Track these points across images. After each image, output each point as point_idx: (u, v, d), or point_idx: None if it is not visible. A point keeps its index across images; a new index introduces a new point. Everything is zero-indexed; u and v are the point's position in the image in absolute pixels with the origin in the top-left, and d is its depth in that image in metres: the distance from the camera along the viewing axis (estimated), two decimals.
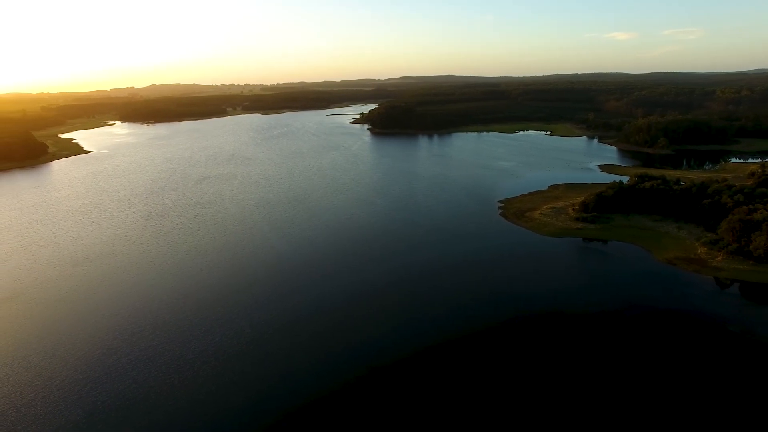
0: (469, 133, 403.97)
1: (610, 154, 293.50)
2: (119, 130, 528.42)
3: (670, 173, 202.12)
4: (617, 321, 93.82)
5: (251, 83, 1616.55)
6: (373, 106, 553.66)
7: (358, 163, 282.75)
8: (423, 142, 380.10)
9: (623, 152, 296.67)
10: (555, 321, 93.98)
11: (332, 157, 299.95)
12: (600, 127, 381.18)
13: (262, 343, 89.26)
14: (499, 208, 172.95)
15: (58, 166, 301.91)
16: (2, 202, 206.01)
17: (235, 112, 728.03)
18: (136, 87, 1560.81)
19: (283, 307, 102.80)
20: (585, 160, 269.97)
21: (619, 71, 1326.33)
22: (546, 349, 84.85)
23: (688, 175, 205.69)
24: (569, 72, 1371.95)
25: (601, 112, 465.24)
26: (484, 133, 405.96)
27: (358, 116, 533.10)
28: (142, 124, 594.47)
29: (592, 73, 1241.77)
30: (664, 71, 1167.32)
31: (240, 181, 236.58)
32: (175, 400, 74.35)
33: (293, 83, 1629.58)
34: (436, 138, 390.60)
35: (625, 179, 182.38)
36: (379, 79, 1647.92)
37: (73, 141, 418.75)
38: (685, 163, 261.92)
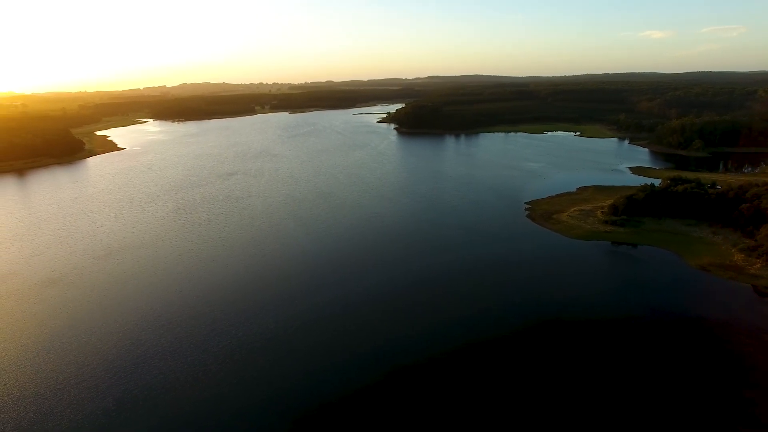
0: (497, 134, 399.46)
1: (641, 156, 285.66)
2: (151, 128, 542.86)
3: (706, 176, 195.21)
4: (647, 328, 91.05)
5: (279, 82, 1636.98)
6: (400, 106, 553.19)
7: (384, 162, 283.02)
8: (450, 142, 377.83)
9: (655, 154, 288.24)
10: (583, 327, 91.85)
11: (358, 156, 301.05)
12: (631, 128, 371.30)
13: (286, 340, 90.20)
14: (526, 209, 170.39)
15: (94, 162, 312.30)
16: (43, 197, 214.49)
17: (263, 111, 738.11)
18: (167, 86, 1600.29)
19: (307, 304, 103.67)
20: (615, 161, 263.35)
21: (654, 71, 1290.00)
22: (573, 357, 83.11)
23: (725, 179, 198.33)
24: (600, 72, 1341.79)
25: (633, 113, 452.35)
26: (512, 133, 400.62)
27: (384, 116, 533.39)
28: (173, 121, 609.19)
29: (624, 73, 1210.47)
30: (702, 70, 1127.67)
31: (267, 177, 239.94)
32: (200, 392, 75.86)
33: (321, 82, 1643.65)
34: (463, 138, 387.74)
35: (657, 182, 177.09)
36: (406, 79, 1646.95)
37: (108, 138, 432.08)
38: (722, 166, 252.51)
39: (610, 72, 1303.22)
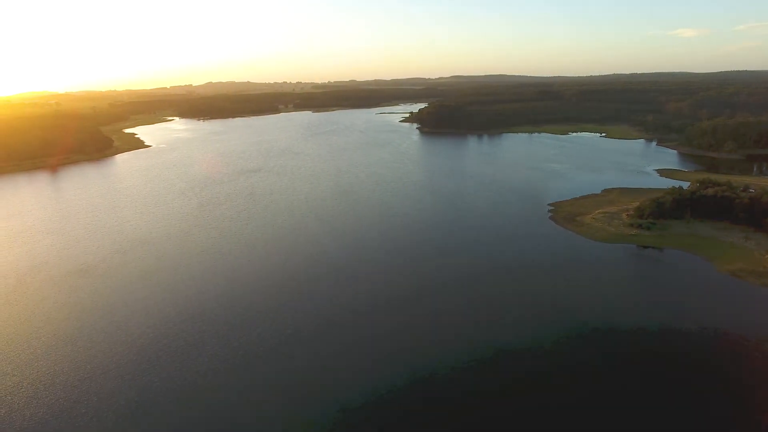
0: (520, 134, 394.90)
1: (669, 157, 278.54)
2: (177, 126, 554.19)
3: (738, 179, 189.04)
4: (673, 335, 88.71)
5: (303, 81, 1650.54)
6: (422, 105, 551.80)
7: (406, 161, 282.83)
8: (472, 142, 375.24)
9: (684, 156, 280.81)
10: (605, 333, 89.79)
11: (380, 155, 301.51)
12: (659, 130, 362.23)
13: (305, 337, 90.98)
14: (549, 211, 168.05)
15: (122, 159, 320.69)
16: (74, 193, 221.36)
17: (286, 110, 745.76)
18: (193, 84, 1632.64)
19: (326, 303, 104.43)
20: (642, 163, 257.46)
21: (685, 70, 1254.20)
22: (595, 362, 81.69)
23: (758, 182, 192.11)
24: (628, 72, 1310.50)
25: (662, 113, 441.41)
26: (536, 134, 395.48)
27: (407, 115, 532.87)
28: (199, 120, 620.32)
29: (653, 73, 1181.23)
30: (738, 69, 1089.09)
31: (290, 175, 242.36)
32: (219, 386, 77.18)
33: (344, 81, 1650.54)
34: (485, 138, 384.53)
35: (686, 185, 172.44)
36: (429, 78, 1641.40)
37: (135, 136, 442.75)
38: (755, 169, 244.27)
39: (638, 72, 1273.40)
